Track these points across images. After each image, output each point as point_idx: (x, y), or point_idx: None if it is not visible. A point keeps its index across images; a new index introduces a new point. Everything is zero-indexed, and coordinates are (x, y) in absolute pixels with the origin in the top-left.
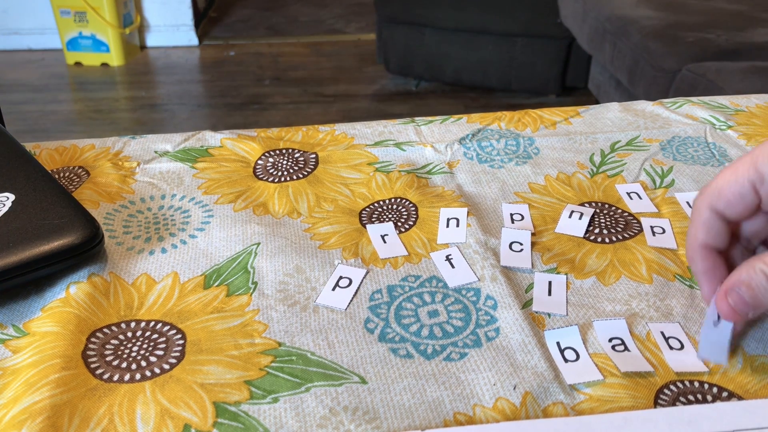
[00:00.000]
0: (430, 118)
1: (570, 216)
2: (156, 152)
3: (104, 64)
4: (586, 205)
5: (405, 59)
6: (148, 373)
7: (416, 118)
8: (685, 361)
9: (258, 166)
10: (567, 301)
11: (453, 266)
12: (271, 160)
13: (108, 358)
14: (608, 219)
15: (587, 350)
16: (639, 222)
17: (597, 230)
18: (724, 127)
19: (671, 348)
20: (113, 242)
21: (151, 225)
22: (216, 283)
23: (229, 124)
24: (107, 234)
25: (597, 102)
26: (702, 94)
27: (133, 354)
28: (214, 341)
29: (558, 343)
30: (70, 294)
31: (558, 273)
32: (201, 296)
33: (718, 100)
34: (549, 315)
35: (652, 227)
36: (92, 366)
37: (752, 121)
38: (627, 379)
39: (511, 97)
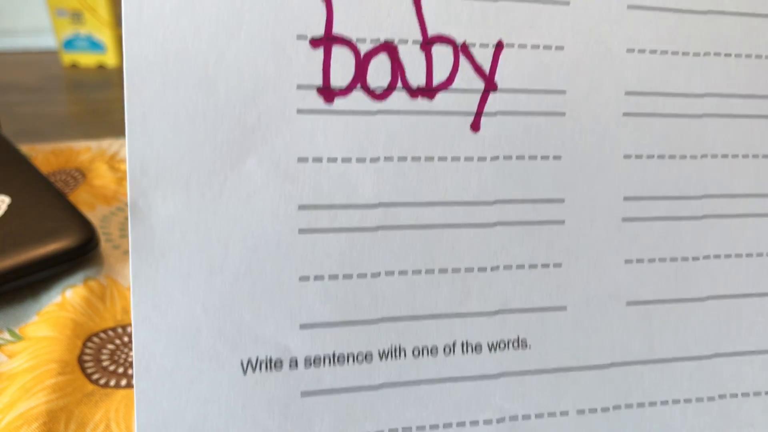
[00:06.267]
0: None
1: None
2: None
3: (101, 65)
4: None
5: None
6: None
7: None
8: None
9: None
10: None
11: None
12: None
13: (104, 363)
14: None
15: None
16: None
17: None
18: None
19: None
20: (110, 246)
21: None
22: None
23: None
24: (103, 237)
25: None
26: None
27: (130, 359)
28: None
29: None
30: (66, 298)
31: None
32: None
33: None
34: None
35: None
36: (88, 371)
37: None
38: None
39: None
